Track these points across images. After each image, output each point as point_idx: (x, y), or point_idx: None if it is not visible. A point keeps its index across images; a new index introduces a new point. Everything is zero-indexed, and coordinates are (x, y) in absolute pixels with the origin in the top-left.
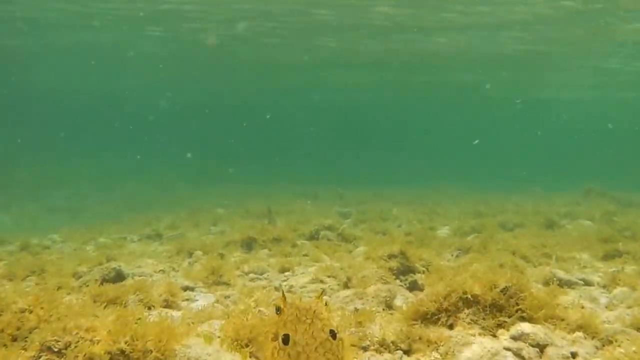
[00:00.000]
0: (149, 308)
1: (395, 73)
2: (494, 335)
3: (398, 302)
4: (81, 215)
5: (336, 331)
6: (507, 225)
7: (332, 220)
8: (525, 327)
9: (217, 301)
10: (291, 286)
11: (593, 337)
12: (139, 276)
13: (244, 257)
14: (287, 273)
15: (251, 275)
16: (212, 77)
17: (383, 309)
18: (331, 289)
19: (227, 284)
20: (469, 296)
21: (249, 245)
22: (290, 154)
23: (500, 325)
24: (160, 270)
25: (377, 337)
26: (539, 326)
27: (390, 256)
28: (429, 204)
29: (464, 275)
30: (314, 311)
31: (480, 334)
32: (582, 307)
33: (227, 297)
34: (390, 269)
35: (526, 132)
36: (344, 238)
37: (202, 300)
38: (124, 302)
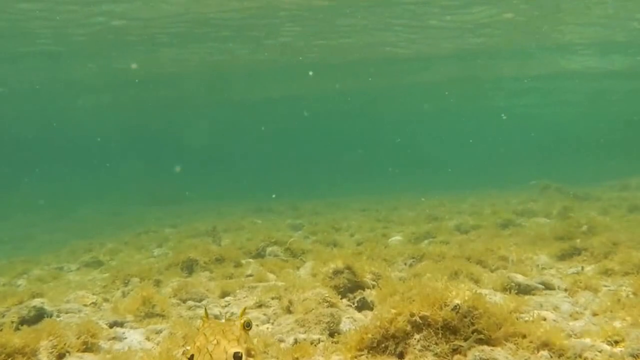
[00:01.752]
0: (61, 356)
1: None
2: None
3: (345, 326)
4: (26, 245)
5: (241, 354)
6: (462, 227)
7: (280, 234)
8: (485, 350)
9: (146, 338)
10: (232, 313)
11: (560, 356)
12: (66, 313)
13: (184, 281)
14: (228, 297)
15: (189, 302)
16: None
17: (327, 337)
18: (274, 313)
19: (161, 315)
20: (417, 318)
21: (189, 267)
22: (246, 169)
23: (455, 351)
24: (91, 303)
25: None
26: (498, 349)
27: (336, 272)
28: (383, 211)
29: (409, 293)
30: (223, 331)
31: None
32: (544, 320)
33: (158, 332)
34: (336, 287)
35: (477, 135)
36: (292, 253)
37: (132, 337)
38: (33, 351)
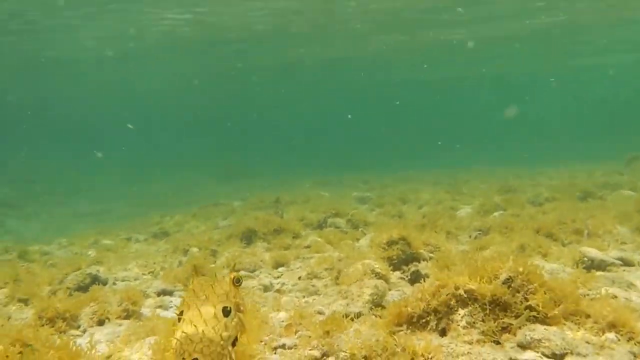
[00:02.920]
0: (101, 322)
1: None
2: (497, 342)
3: (391, 300)
4: (104, 218)
5: (229, 308)
6: (537, 200)
7: (345, 206)
8: (537, 330)
9: None
10: (283, 284)
11: (629, 340)
12: (122, 280)
13: (239, 251)
14: (281, 268)
15: (241, 272)
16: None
17: (369, 310)
18: (325, 285)
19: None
20: (462, 292)
21: (248, 238)
22: (321, 142)
23: (504, 329)
24: (149, 272)
25: (344, 353)
26: (554, 328)
27: (390, 243)
28: (455, 183)
29: (460, 265)
30: (212, 287)
31: (478, 342)
32: (614, 297)
33: None
34: (389, 259)
35: (561, 103)
36: (354, 225)
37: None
38: (74, 317)
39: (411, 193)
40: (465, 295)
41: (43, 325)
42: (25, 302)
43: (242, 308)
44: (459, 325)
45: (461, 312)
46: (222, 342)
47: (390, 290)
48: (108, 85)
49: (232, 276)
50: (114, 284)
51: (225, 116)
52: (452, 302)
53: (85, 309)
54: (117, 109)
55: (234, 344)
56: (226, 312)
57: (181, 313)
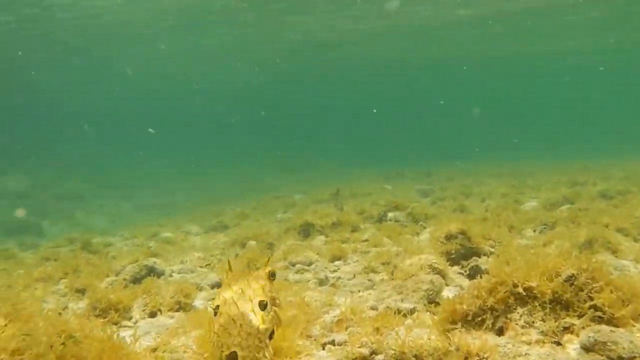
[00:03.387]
0: (153, 314)
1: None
2: (558, 344)
3: (450, 295)
4: (168, 210)
5: (266, 302)
6: (607, 193)
7: (406, 199)
8: (602, 331)
9: None
10: (338, 278)
11: None
12: (178, 273)
13: (296, 244)
14: (338, 262)
15: (297, 266)
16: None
17: (423, 306)
18: (381, 279)
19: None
20: (521, 289)
21: (306, 231)
22: (383, 135)
23: (566, 329)
24: (206, 265)
25: (393, 351)
26: (621, 330)
27: (448, 237)
28: (521, 176)
29: (519, 261)
30: (247, 281)
31: (538, 342)
32: None
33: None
34: (448, 253)
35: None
36: (414, 218)
37: None
38: (127, 308)
39: (475, 186)
40: (524, 293)
41: (97, 316)
42: (82, 292)
43: (277, 302)
44: (517, 324)
45: (520, 310)
46: (259, 335)
47: (447, 285)
48: (171, 80)
49: (267, 270)
50: (170, 276)
51: (289, 109)
52: (510, 300)
53: (138, 301)
54: (179, 104)
55: (270, 337)
56: (262, 305)
57: (217, 308)
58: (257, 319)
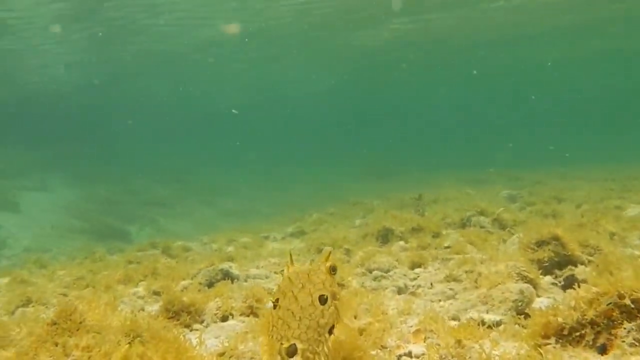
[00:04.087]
0: (225, 318)
1: None
2: None
3: (542, 307)
4: (248, 217)
5: (326, 297)
6: None
7: (491, 204)
8: None
9: None
10: (418, 286)
11: None
12: (253, 278)
13: (374, 250)
14: (418, 269)
15: (375, 272)
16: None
17: (511, 319)
18: (464, 288)
19: (340, 285)
20: (629, 301)
21: (384, 237)
22: (465, 139)
23: None
24: (281, 271)
25: None
26: None
27: (539, 243)
28: (620, 179)
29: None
30: (308, 275)
31: None
32: None
33: (346, 299)
34: (539, 261)
35: None
36: (501, 224)
37: None
38: (199, 311)
39: (568, 191)
40: (633, 306)
41: (169, 318)
42: (159, 294)
43: (338, 297)
44: (623, 342)
45: (627, 325)
46: (319, 329)
47: (538, 296)
48: (254, 85)
49: (328, 265)
50: (245, 280)
51: (370, 114)
52: (614, 313)
53: (210, 304)
54: (264, 110)
55: (330, 332)
56: (323, 300)
57: (277, 301)
58: (318, 312)
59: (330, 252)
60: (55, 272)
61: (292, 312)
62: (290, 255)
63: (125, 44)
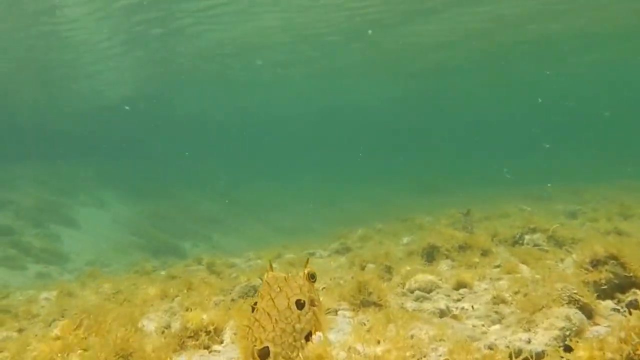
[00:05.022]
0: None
1: None
2: None
3: (594, 336)
4: (298, 233)
5: (303, 302)
6: None
7: (548, 221)
8: None
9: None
10: (462, 308)
11: None
12: None
13: (419, 269)
14: (463, 289)
15: (417, 292)
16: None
17: (557, 349)
18: (511, 312)
19: (377, 305)
20: None
21: (430, 255)
22: (521, 153)
23: None
24: (323, 289)
25: None
26: None
27: (595, 263)
28: None
29: None
30: (286, 280)
31: None
32: None
33: (363, 323)
34: (595, 283)
35: None
36: (557, 242)
37: (340, 325)
38: (218, 330)
39: (637, 207)
40: None
41: (189, 338)
42: (191, 311)
43: (316, 303)
44: None
45: None
46: (294, 334)
47: (596, 324)
48: (305, 98)
49: (306, 271)
50: None
51: (424, 128)
52: None
53: (232, 323)
54: (312, 125)
55: (307, 338)
56: (300, 304)
57: (255, 304)
58: (294, 317)
59: (308, 259)
60: (101, 286)
61: (269, 315)
62: (270, 262)
63: (176, 57)
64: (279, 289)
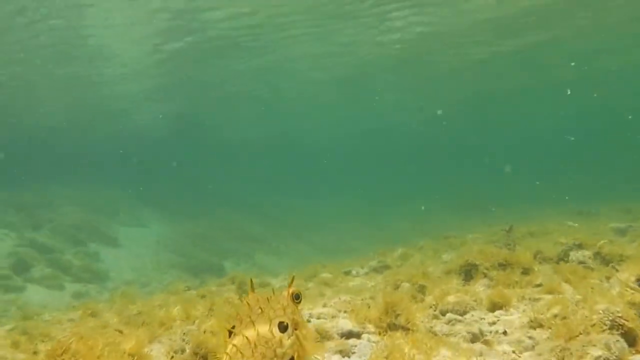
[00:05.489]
0: None
1: None
2: None
3: None
4: (340, 252)
5: (286, 324)
6: None
7: (594, 237)
8: None
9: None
10: (495, 332)
11: None
12: (317, 318)
13: (454, 288)
14: (499, 311)
15: (449, 315)
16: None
17: None
18: (548, 337)
19: (405, 328)
20: None
21: (467, 273)
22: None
23: None
24: (352, 310)
25: None
26: None
27: None
28: None
29: None
30: (268, 300)
31: None
32: None
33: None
34: None
35: None
36: (604, 259)
37: (363, 350)
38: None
39: None
40: None
41: None
42: (212, 334)
43: (301, 327)
44: None
45: None
46: (275, 359)
47: (635, 353)
48: (350, 118)
49: (290, 291)
50: (309, 321)
51: (470, 143)
52: None
53: None
54: (351, 143)
55: None
56: (282, 327)
57: (233, 327)
58: (276, 340)
59: (293, 278)
60: (126, 307)
61: (248, 339)
62: (251, 281)
63: (222, 85)
64: (260, 310)
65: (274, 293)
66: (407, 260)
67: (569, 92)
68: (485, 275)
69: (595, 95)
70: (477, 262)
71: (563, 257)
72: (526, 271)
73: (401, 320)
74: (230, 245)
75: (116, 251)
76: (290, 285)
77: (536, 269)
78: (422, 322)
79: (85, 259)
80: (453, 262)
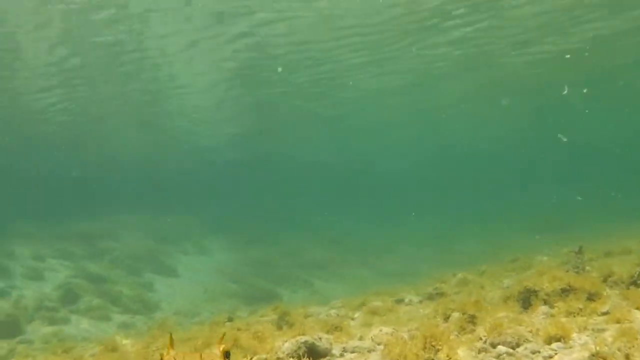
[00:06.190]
0: None
1: None
2: None
3: None
4: (405, 278)
5: None
6: None
7: None
8: None
9: None
10: None
11: None
12: (351, 352)
13: (510, 317)
14: (556, 344)
15: (499, 347)
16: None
17: None
18: None
19: None
20: None
21: (526, 300)
22: None
23: None
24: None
25: None
26: None
27: None
28: None
29: None
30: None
31: None
32: None
33: None
34: None
35: None
36: None
37: None
38: None
39: None
40: None
41: None
42: None
43: None
44: None
45: None
46: None
47: None
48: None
49: (221, 349)
50: (341, 355)
51: (546, 160)
52: None
53: None
54: (421, 166)
55: None
56: None
57: None
58: None
59: (224, 334)
60: (156, 340)
61: None
62: (171, 336)
63: (287, 108)
64: None
65: (201, 356)
66: (465, 287)
67: None
68: (545, 302)
69: None
70: (537, 288)
71: (636, 280)
72: (592, 297)
73: (441, 357)
74: (291, 271)
75: (173, 280)
76: (221, 341)
77: (605, 294)
78: (468, 356)
79: (137, 289)
80: (512, 288)
